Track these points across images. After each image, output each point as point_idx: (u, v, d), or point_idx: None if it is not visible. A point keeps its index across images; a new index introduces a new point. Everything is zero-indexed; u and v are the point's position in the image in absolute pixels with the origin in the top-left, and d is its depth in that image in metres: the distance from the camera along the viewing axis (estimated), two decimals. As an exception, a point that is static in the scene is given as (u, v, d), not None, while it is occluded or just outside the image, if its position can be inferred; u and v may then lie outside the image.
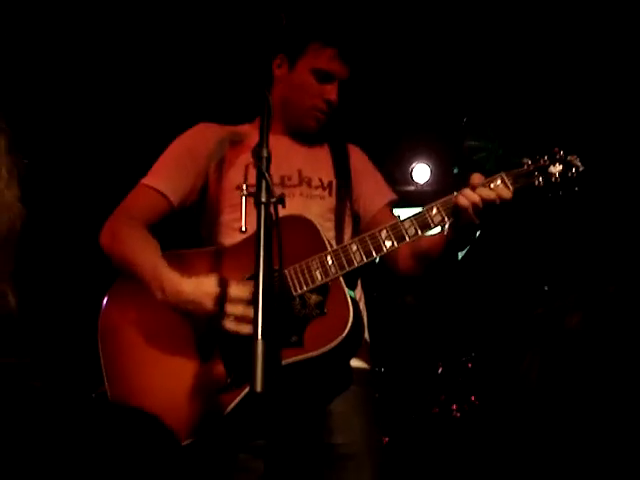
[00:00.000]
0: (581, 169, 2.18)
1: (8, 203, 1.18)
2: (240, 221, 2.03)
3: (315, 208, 2.42)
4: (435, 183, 6.43)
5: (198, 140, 2.51)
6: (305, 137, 2.59)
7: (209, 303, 2.07)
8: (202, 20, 4.74)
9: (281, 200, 1.71)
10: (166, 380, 2.18)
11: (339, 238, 2.42)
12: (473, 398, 4.76)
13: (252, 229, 1.86)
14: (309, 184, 2.47)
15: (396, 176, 6.34)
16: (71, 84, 4.85)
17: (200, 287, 2.09)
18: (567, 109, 5.40)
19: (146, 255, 2.24)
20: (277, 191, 1.76)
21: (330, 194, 2.49)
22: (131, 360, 2.25)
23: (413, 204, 6.64)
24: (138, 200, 2.42)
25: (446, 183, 6.40)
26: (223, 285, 2.09)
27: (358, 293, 2.43)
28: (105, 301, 2.34)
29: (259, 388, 1.49)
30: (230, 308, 2.05)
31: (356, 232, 2.55)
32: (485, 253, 4.88)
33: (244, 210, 1.85)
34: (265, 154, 1.77)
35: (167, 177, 2.43)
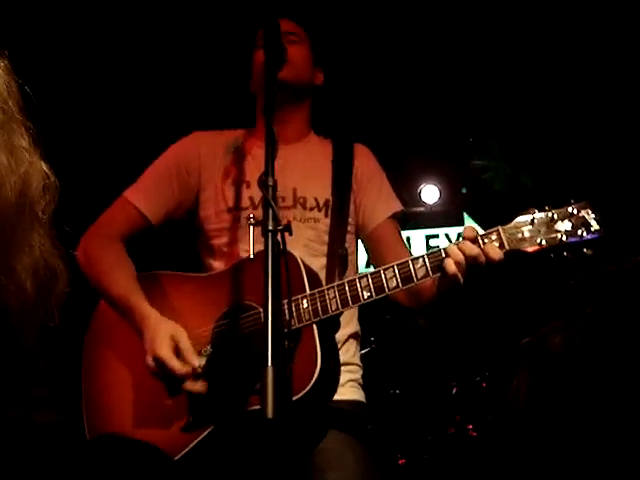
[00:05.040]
0: (594, 229, 1.94)
1: (18, 159, 0.99)
2: (229, 245, 2.17)
3: (309, 233, 2.37)
4: (444, 203, 6.44)
5: (189, 153, 2.48)
6: (305, 140, 2.53)
7: (150, 360, 2.09)
8: (201, 25, 4.76)
9: (287, 228, 1.73)
10: (134, 406, 2.18)
11: (333, 262, 2.33)
12: (489, 417, 4.74)
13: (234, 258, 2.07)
14: (303, 205, 2.40)
15: (405, 197, 6.37)
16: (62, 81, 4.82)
17: (153, 343, 2.09)
18: (573, 125, 5.41)
19: (118, 281, 2.25)
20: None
21: (326, 214, 2.40)
22: (108, 378, 2.25)
23: (423, 225, 6.66)
24: (117, 215, 2.42)
25: (455, 203, 6.41)
26: (174, 343, 2.08)
27: (349, 330, 2.35)
28: (92, 317, 2.36)
29: (270, 414, 1.48)
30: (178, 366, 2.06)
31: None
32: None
33: (252, 238, 1.87)
34: (271, 183, 1.79)
35: (149, 195, 2.42)
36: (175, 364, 2.05)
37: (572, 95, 5.29)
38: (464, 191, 6.45)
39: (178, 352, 2.08)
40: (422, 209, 6.44)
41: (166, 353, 2.06)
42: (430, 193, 6.44)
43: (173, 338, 2.09)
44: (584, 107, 5.30)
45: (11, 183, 0.95)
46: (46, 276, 1.03)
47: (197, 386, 2.07)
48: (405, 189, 6.31)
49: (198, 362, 2.06)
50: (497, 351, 4.74)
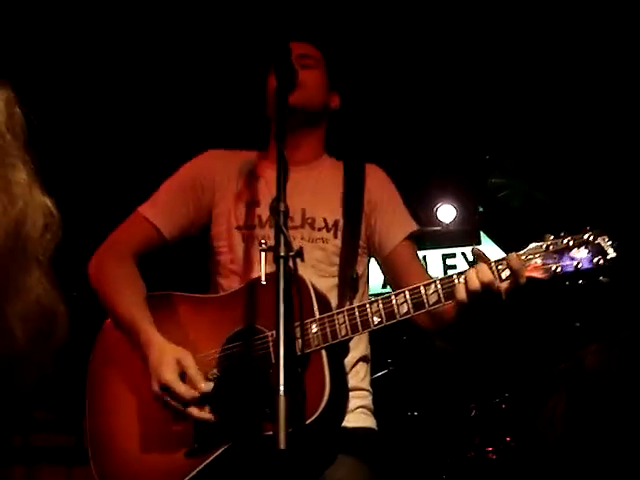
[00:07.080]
0: (610, 256, 1.90)
1: (13, 197, 0.93)
2: (235, 263, 2.26)
3: (317, 253, 2.33)
4: (461, 222, 6.41)
5: (204, 171, 2.47)
6: (316, 162, 2.51)
7: (155, 386, 2.05)
8: (223, 48, 4.81)
9: (299, 254, 1.71)
10: (138, 431, 2.16)
11: (344, 285, 2.29)
12: (508, 439, 4.66)
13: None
14: (312, 226, 2.36)
15: (421, 217, 6.34)
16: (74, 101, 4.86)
17: (159, 368, 2.05)
18: (589, 141, 5.38)
19: (127, 302, 2.22)
20: None
21: (335, 235, 2.36)
22: (112, 401, 2.24)
23: (439, 245, 6.62)
24: (131, 230, 2.40)
25: (472, 222, 6.37)
26: (180, 368, 2.05)
27: (357, 353, 2.30)
28: (97, 337, 2.34)
29: (282, 445, 1.45)
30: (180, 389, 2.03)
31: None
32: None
33: (263, 265, 1.85)
34: (282, 208, 1.77)
35: (164, 210, 2.40)
36: (181, 389, 2.02)
37: (589, 112, 5.26)
38: (481, 210, 6.42)
39: (184, 376, 2.05)
40: (439, 228, 6.41)
41: (172, 378, 2.03)
42: (446, 212, 6.42)
43: (179, 362, 2.06)
44: (601, 124, 5.26)
45: (2, 224, 0.90)
46: (42, 321, 0.97)
47: (203, 413, 2.04)
48: (421, 208, 6.28)
49: (205, 387, 2.03)
50: (517, 372, 4.67)
